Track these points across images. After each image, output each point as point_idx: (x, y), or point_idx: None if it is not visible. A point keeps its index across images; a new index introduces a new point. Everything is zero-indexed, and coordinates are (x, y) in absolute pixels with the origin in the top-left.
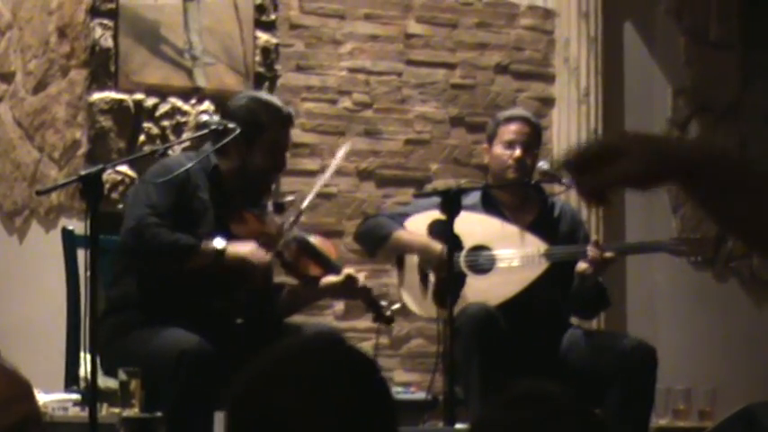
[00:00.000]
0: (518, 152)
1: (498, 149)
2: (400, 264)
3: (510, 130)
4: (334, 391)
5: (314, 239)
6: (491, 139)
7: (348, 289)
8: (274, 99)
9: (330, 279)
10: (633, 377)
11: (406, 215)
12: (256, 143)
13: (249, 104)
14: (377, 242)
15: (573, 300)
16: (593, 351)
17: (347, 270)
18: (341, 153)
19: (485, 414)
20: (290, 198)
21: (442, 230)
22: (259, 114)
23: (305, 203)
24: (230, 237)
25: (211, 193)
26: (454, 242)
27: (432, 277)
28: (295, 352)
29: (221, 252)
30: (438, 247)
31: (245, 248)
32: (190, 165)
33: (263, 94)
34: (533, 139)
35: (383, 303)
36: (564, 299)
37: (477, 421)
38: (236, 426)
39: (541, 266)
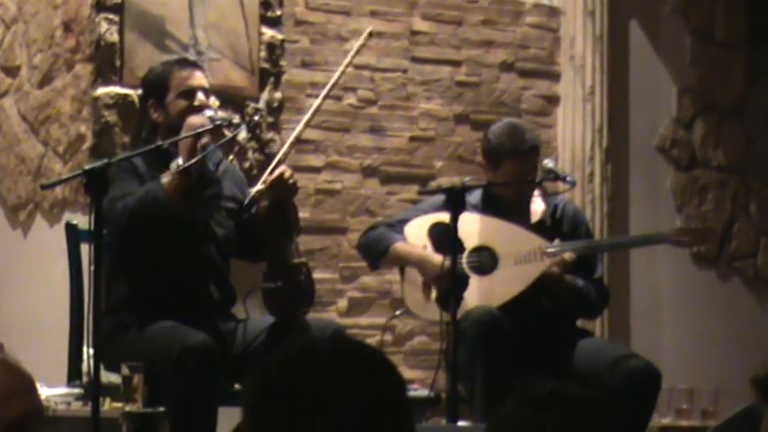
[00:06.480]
0: (531, 177)
1: (508, 176)
2: (402, 266)
3: (521, 163)
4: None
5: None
6: (494, 164)
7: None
8: (175, 55)
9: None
10: (635, 399)
11: (405, 221)
12: (168, 95)
13: (150, 70)
14: (377, 256)
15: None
16: (600, 364)
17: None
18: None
19: (505, 413)
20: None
21: (442, 234)
22: (159, 69)
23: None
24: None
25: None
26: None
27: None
28: (313, 349)
29: (178, 166)
30: (436, 259)
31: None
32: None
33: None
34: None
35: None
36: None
37: (497, 420)
38: (253, 420)
39: (544, 264)
